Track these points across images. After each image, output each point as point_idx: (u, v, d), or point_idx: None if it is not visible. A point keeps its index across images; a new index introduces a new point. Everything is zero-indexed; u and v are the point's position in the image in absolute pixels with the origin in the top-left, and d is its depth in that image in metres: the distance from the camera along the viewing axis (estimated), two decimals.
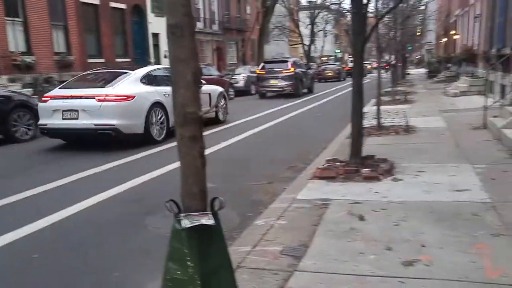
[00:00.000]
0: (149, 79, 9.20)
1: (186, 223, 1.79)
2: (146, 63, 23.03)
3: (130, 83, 8.67)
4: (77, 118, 8.14)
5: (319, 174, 5.51)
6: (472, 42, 19.41)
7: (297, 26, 45.07)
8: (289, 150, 7.78)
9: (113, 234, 4.24)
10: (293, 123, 11.77)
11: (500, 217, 3.80)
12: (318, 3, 43.70)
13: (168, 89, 8.30)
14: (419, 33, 40.99)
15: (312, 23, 45.66)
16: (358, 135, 5.83)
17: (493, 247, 3.23)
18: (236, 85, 22.05)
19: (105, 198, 5.29)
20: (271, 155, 7.46)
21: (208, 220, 1.80)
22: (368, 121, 9.54)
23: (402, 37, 22.89)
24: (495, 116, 8.32)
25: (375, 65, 43.42)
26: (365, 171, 5.40)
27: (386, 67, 22.72)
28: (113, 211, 4.89)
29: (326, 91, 23.55)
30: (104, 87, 8.47)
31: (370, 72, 36.21)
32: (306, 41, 45.36)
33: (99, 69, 10.86)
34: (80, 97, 8.31)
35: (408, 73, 38.99)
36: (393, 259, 3.13)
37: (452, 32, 27.01)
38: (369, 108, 11.54)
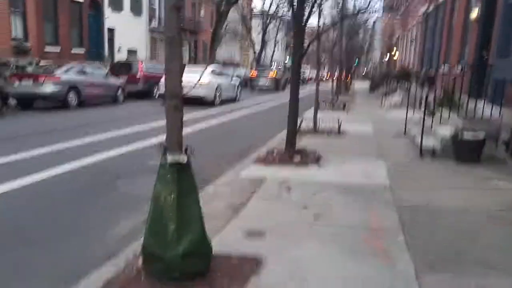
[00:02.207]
0: (215, 72, 17.18)
1: (169, 158, 2.79)
2: (100, 56, 23.45)
3: (209, 73, 16.36)
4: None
5: (259, 159, 6.61)
6: (408, 62, 21.42)
7: (249, 33, 46.34)
8: (235, 145, 8.83)
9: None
10: (235, 125, 12.83)
11: (393, 195, 5.03)
12: (270, 12, 45.18)
13: (226, 79, 18.59)
14: (365, 50, 43.67)
15: (264, 31, 47.07)
16: (293, 131, 6.99)
17: (380, 211, 4.43)
18: None
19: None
20: (219, 148, 8.47)
21: (183, 158, 2.81)
22: (307, 124, 10.81)
23: (348, 52, 24.75)
24: (414, 126, 9.75)
25: (325, 75, 45.22)
26: (296, 159, 6.55)
27: (331, 78, 24.34)
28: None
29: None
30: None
31: (305, 83, 37.67)
32: (257, 47, 46.69)
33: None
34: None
35: (353, 86, 41.36)
36: (307, 214, 4.26)
37: (393, 51, 29.27)
38: (309, 114, 12.80)
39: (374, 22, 44.81)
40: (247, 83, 29.43)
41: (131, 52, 27.78)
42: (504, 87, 6.92)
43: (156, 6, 32.07)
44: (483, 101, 7.80)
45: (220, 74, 18.40)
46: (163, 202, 2.84)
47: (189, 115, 13.84)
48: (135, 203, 4.84)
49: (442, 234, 3.81)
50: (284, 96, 20.98)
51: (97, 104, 15.26)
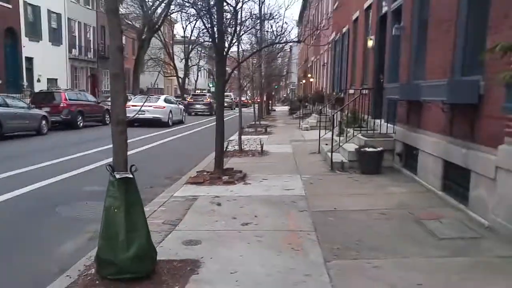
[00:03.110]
0: (166, 100, 21.64)
1: (117, 175, 3.37)
2: (18, 86, 22.80)
3: (162, 100, 21.05)
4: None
5: (191, 180, 7.24)
6: (322, 86, 23.09)
7: (172, 59, 46.80)
8: (168, 167, 9.35)
9: None
10: (169, 147, 13.33)
11: (307, 203, 5.87)
12: (192, 39, 46.02)
13: (175, 105, 22.70)
14: (284, 74, 45.78)
15: (186, 57, 47.79)
16: (220, 152, 7.72)
17: (296, 216, 5.23)
18: None
19: None
20: (153, 170, 8.94)
21: (128, 175, 3.41)
22: (232, 146, 11.61)
23: (268, 77, 26.09)
24: (326, 144, 10.86)
25: (244, 101, 46.61)
26: (224, 178, 7.25)
27: (252, 102, 25.45)
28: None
29: (197, 122, 25.48)
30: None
31: (245, 106, 39.05)
32: (181, 73, 47.22)
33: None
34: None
35: (274, 110, 43.07)
36: (236, 223, 4.95)
37: (309, 75, 31.18)
38: (235, 137, 13.62)
39: (291, 48, 47.25)
40: (185, 108, 30.16)
41: (51, 81, 27.20)
42: (395, 108, 8.15)
43: (76, 34, 31.70)
44: (381, 119, 9.02)
45: (170, 101, 22.48)
46: (114, 213, 3.40)
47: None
48: (78, 225, 5.26)
49: (345, 229, 4.67)
50: (227, 115, 23.17)
51: (20, 136, 14.99)
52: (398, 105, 7.89)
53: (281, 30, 12.52)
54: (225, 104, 37.54)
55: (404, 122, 7.66)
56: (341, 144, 9.13)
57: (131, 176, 3.45)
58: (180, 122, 23.15)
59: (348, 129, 9.70)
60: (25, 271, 4.06)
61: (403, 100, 7.25)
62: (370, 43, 10.34)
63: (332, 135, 8.81)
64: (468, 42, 5.45)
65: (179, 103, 25.25)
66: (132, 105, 18.78)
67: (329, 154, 8.71)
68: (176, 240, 4.41)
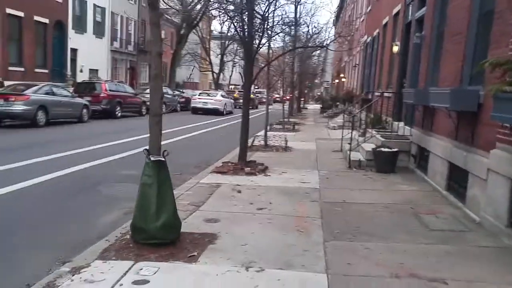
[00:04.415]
0: (222, 95, 27.97)
1: (152, 158, 4.06)
2: (63, 75, 24.17)
3: (219, 95, 27.63)
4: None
5: (216, 170, 7.92)
6: (353, 86, 23.41)
7: (208, 55, 47.75)
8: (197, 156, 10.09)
9: None
10: (200, 139, 14.10)
11: (319, 195, 6.45)
12: (228, 35, 46.80)
13: (228, 99, 29.59)
14: (318, 73, 46.01)
15: (222, 53, 48.63)
16: (244, 146, 8.38)
17: (307, 205, 5.83)
18: (149, 103, 23.91)
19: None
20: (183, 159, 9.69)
21: (161, 158, 4.10)
22: (258, 141, 12.24)
23: (300, 75, 26.55)
24: (348, 143, 11.34)
25: (274, 98, 46.84)
26: (247, 169, 7.90)
27: (284, 100, 26.01)
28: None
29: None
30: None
31: (270, 104, 39.71)
32: (216, 69, 48.11)
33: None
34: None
35: (306, 108, 43.43)
36: (252, 207, 5.59)
37: (341, 75, 31.47)
38: (261, 132, 14.23)
39: (331, 42, 47.36)
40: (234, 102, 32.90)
41: (93, 72, 28.59)
42: (414, 112, 8.58)
43: (118, 28, 33.05)
44: (400, 122, 9.47)
45: (224, 96, 28.89)
46: (147, 189, 4.10)
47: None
48: (115, 202, 6.03)
49: (348, 218, 5.24)
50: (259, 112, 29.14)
51: (63, 123, 16.11)
52: (415, 109, 8.33)
53: (316, 30, 13.09)
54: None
55: (420, 126, 8.10)
56: (360, 143, 9.63)
57: (163, 159, 4.14)
58: (230, 112, 28.64)
59: (371, 130, 10.18)
60: (69, 236, 4.80)
61: (417, 104, 7.70)
62: (396, 49, 10.75)
63: (351, 134, 9.32)
64: (476, 54, 5.88)
65: (231, 98, 31.30)
66: (198, 98, 27.50)
67: (349, 153, 9.22)
68: (198, 218, 5.09)
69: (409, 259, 3.94)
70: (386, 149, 8.15)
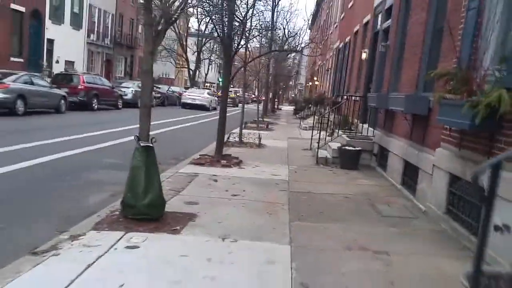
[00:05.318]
0: (208, 93, 32.70)
1: (141, 143, 4.64)
2: (39, 65, 24.18)
3: (206, 93, 32.18)
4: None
5: (194, 161, 8.51)
6: (325, 89, 24.30)
7: (185, 51, 48.01)
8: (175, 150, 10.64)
9: None
10: (183, 131, 14.61)
11: (288, 185, 7.13)
12: (206, 33, 47.15)
13: (213, 97, 33.56)
14: (292, 75, 46.93)
15: (199, 51, 48.94)
16: (221, 140, 8.99)
17: (277, 193, 6.49)
18: (125, 97, 24.20)
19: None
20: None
21: (149, 144, 4.68)
22: (234, 138, 12.86)
23: (275, 76, 27.29)
24: (317, 142, 12.10)
25: (251, 98, 47.54)
26: (223, 162, 8.52)
27: (257, 100, 26.68)
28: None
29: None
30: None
31: (248, 103, 40.43)
32: (192, 66, 48.39)
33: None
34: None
35: (280, 108, 44.30)
36: (227, 194, 6.22)
37: (315, 78, 32.38)
38: (237, 130, 14.85)
39: (305, 47, 48.46)
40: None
41: (69, 63, 28.61)
42: (377, 115, 9.38)
43: (96, 20, 33.08)
44: (365, 124, 10.26)
45: (211, 94, 33.38)
46: (137, 171, 4.68)
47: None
48: (101, 186, 6.55)
49: (312, 205, 5.93)
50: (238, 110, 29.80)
51: (41, 113, 16.34)
52: (378, 112, 9.12)
53: (291, 34, 13.80)
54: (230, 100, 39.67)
55: (381, 127, 8.89)
56: (328, 142, 10.38)
57: (151, 145, 4.72)
58: (214, 108, 30.95)
59: (338, 131, 10.94)
60: (62, 213, 5.31)
61: (379, 108, 8.48)
62: (364, 56, 11.56)
63: (319, 134, 10.06)
64: (429, 65, 6.67)
65: (215, 96, 34.64)
66: (188, 95, 31.45)
67: (317, 150, 9.95)
68: (180, 201, 5.68)
69: (360, 237, 4.65)
70: (350, 148, 8.91)
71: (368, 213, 5.70)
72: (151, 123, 4.96)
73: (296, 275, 3.60)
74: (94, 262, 3.62)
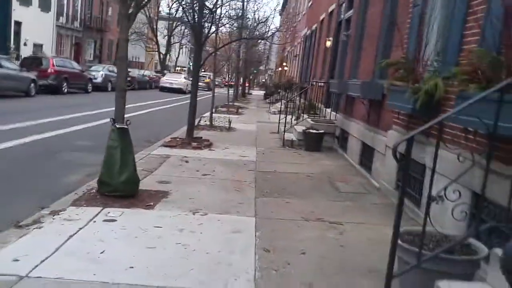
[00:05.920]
0: (185, 77, 33.65)
1: (117, 125, 5.01)
2: (6, 48, 23.75)
3: (183, 77, 34.21)
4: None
5: (165, 144, 8.88)
6: (293, 75, 24.82)
7: (155, 35, 47.64)
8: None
9: None
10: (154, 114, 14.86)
11: (255, 166, 7.61)
12: (176, 16, 46.85)
13: (188, 81, 29.87)
14: (262, 60, 47.27)
15: (169, 34, 48.63)
16: (192, 123, 9.37)
17: (244, 173, 6.96)
18: (95, 81, 24.10)
19: None
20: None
21: (124, 126, 5.05)
22: (204, 122, 13.24)
23: (246, 62, 27.59)
24: (285, 126, 12.61)
25: (224, 82, 47.64)
26: (193, 144, 8.92)
27: (228, 84, 26.99)
28: None
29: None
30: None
31: (222, 87, 40.64)
32: (162, 50, 48.10)
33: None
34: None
35: (250, 93, 44.67)
36: (198, 174, 6.65)
37: (284, 64, 32.86)
38: (207, 114, 15.22)
39: (273, 34, 48.76)
40: None
41: (37, 46, 28.13)
42: (339, 100, 9.94)
43: (65, 3, 32.48)
44: (330, 108, 10.83)
45: (187, 78, 32.50)
46: (113, 151, 5.04)
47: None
48: (76, 167, 6.87)
49: (277, 182, 6.44)
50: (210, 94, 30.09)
51: (11, 96, 16.24)
52: (340, 98, 9.68)
53: (261, 20, 14.17)
54: (203, 85, 39.97)
55: (343, 112, 9.46)
56: (294, 126, 10.90)
57: (126, 127, 5.09)
58: (190, 92, 30.03)
59: (304, 115, 11.47)
60: (39, 191, 5.63)
61: (340, 93, 9.03)
62: (328, 44, 12.08)
63: (286, 118, 10.57)
64: (384, 54, 7.20)
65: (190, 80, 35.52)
66: (166, 79, 33.93)
67: (283, 133, 10.45)
68: (153, 180, 6.07)
69: (318, 210, 5.18)
70: (314, 131, 9.45)
71: (327, 190, 6.24)
72: (126, 106, 5.32)
73: (259, 241, 4.09)
74: (75, 233, 4.01)
